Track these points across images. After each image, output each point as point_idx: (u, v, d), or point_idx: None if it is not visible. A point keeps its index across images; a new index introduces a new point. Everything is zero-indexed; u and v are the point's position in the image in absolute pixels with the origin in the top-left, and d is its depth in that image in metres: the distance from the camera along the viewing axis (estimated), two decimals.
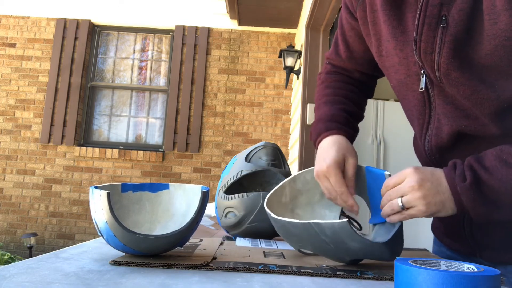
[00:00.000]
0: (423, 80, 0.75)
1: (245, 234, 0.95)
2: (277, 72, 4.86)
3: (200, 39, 4.87)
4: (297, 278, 0.60)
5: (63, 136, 4.72)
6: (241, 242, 0.88)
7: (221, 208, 0.99)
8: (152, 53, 5.07)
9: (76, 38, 4.87)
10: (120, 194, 0.72)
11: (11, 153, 4.74)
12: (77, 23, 4.90)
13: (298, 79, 4.16)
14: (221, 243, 0.84)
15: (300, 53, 4.01)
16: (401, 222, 0.70)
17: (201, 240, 0.85)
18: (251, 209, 0.93)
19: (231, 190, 1.02)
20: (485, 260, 0.80)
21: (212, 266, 0.62)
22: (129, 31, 5.04)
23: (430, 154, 0.80)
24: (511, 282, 0.76)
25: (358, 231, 0.90)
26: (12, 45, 4.91)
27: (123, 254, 0.68)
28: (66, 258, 0.63)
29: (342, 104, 0.93)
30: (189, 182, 4.65)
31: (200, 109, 4.75)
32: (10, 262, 4.00)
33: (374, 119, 3.52)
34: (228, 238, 0.93)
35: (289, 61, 4.01)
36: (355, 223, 0.93)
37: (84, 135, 4.86)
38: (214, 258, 0.68)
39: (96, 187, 0.64)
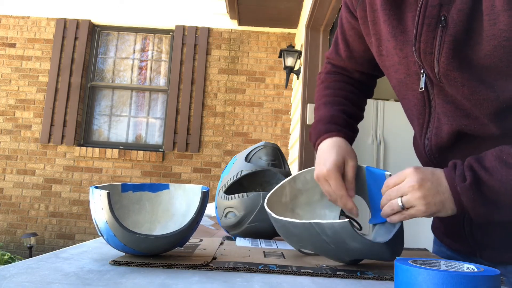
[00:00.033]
0: (423, 79, 0.75)
1: (245, 234, 0.95)
2: (277, 72, 4.86)
3: (200, 39, 4.87)
4: (297, 278, 0.60)
5: (63, 136, 4.72)
6: (241, 242, 0.88)
7: (221, 208, 0.99)
8: (152, 53, 5.07)
9: (76, 38, 4.87)
10: (120, 194, 0.72)
11: (11, 153, 4.74)
12: (77, 23, 4.90)
13: (298, 79, 4.16)
14: (221, 243, 0.84)
15: (300, 53, 4.01)
16: (402, 222, 0.70)
17: (201, 240, 0.85)
18: (251, 209, 0.93)
19: (231, 190, 1.02)
20: (485, 260, 0.80)
21: (212, 266, 0.62)
22: (129, 31, 5.04)
23: (430, 154, 0.80)
24: (511, 282, 0.76)
25: (358, 231, 0.90)
26: (12, 45, 4.91)
27: (123, 254, 0.68)
28: (66, 258, 0.63)
29: (342, 105, 0.93)
30: (189, 182, 4.65)
31: (200, 109, 4.75)
32: (10, 262, 4.00)
33: (374, 119, 3.52)
34: (228, 238, 0.93)
35: (289, 61, 4.01)
36: (355, 223, 0.93)
37: (84, 135, 4.86)
38: (214, 258, 0.68)
39: (96, 187, 0.64)
